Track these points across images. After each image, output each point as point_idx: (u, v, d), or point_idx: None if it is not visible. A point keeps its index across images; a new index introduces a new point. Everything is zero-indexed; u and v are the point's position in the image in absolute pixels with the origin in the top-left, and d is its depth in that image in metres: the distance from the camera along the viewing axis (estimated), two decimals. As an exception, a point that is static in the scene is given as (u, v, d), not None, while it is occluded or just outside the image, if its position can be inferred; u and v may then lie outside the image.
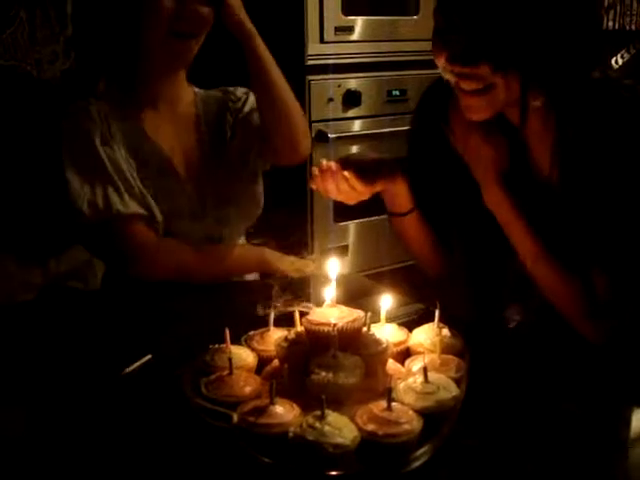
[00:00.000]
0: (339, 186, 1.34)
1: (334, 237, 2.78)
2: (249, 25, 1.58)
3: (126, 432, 1.00)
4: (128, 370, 1.16)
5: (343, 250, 2.81)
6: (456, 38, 1.10)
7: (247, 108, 1.71)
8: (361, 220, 2.83)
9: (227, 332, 1.04)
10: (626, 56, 3.46)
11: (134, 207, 1.52)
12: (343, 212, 2.78)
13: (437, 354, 1.05)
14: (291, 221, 2.63)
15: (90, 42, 1.70)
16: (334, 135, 2.62)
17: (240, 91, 1.74)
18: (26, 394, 1.10)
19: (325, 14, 2.55)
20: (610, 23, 3.55)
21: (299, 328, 1.04)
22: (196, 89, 1.72)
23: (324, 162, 1.35)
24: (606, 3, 3.99)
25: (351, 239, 2.85)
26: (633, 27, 3.58)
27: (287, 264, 1.65)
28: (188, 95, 1.70)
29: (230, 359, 0.99)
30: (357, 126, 2.72)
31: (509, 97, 1.14)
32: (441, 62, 1.15)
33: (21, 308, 1.48)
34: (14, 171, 1.68)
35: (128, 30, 1.52)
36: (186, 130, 1.67)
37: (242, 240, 1.79)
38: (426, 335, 1.10)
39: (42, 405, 1.07)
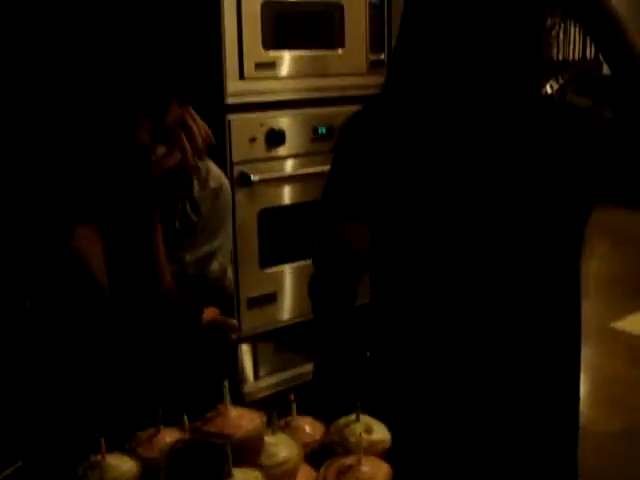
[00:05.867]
0: None
1: (261, 284, 2.61)
2: None
3: None
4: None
5: (271, 298, 2.64)
6: None
7: None
8: (290, 264, 2.67)
9: (102, 442, 0.85)
10: (555, 86, 3.44)
11: None
12: (270, 257, 2.61)
13: (360, 456, 0.88)
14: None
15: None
16: (257, 177, 2.45)
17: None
18: None
19: (245, 50, 2.40)
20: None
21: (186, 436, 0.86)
22: None
23: None
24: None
25: (280, 285, 2.68)
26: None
27: None
28: None
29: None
30: (282, 167, 2.57)
31: None
32: None
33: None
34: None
35: None
36: None
37: None
38: (346, 430, 0.93)
39: None
